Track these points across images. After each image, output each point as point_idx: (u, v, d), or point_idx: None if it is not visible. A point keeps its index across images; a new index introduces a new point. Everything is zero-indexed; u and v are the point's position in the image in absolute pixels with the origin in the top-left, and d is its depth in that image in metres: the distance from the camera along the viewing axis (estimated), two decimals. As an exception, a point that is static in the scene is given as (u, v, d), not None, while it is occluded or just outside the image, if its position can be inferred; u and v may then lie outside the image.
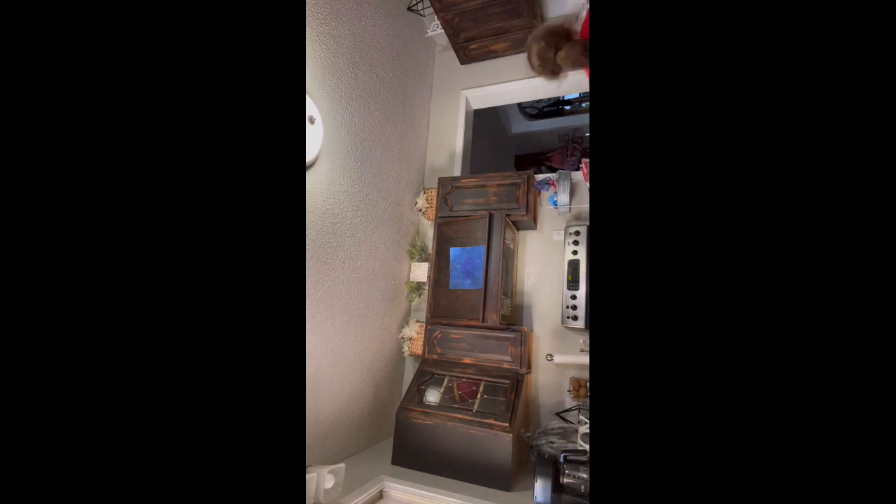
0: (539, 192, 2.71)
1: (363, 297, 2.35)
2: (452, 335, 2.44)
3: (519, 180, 2.56)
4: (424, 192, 2.98)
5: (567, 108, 4.74)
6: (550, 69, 1.42)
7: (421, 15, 2.96)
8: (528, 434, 2.21)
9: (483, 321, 2.31)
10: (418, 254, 2.85)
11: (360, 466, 2.07)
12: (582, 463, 1.74)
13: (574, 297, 2.33)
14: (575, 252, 2.38)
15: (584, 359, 2.29)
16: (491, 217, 2.45)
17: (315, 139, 1.95)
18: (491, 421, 2.04)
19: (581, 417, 1.98)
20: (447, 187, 2.71)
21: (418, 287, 2.80)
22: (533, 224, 2.65)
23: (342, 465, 1.73)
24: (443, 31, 2.86)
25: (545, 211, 2.72)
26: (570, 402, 2.29)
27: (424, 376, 2.40)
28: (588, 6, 1.40)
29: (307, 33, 1.93)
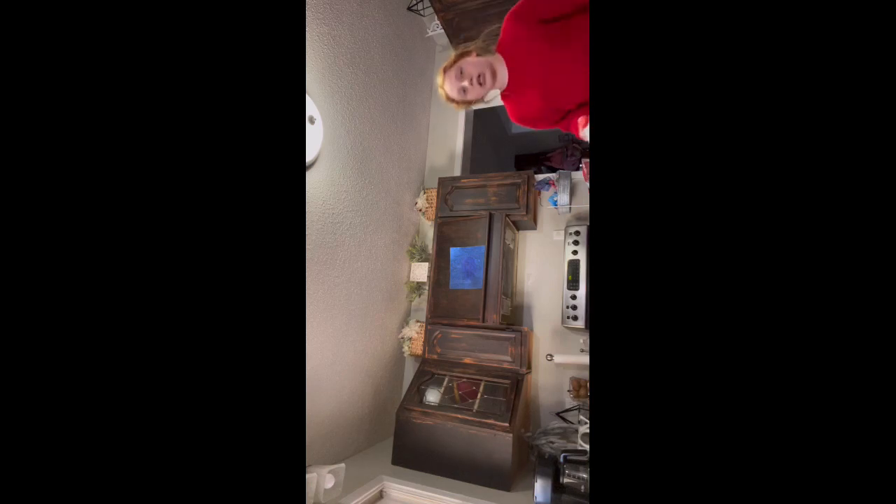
0: (539, 192, 2.71)
1: (363, 297, 2.35)
2: (452, 335, 2.43)
3: (519, 180, 2.56)
4: (424, 192, 2.98)
5: (567, 107, 4.74)
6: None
7: (421, 15, 2.96)
8: (528, 434, 2.21)
9: (483, 321, 2.31)
10: (418, 254, 2.85)
11: (360, 466, 2.07)
12: (582, 463, 1.74)
13: (574, 297, 2.33)
14: (575, 252, 2.38)
15: (584, 359, 2.29)
16: (491, 217, 2.45)
17: (315, 139, 1.95)
18: (491, 421, 2.04)
19: (581, 417, 1.98)
20: (447, 187, 2.71)
21: (418, 287, 2.80)
22: (533, 224, 2.65)
23: (342, 465, 1.74)
24: (443, 31, 2.86)
25: (545, 211, 2.72)
26: (570, 402, 2.29)
27: (424, 376, 2.40)
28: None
29: (307, 33, 1.93)
